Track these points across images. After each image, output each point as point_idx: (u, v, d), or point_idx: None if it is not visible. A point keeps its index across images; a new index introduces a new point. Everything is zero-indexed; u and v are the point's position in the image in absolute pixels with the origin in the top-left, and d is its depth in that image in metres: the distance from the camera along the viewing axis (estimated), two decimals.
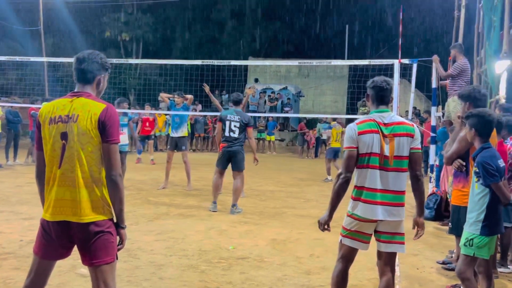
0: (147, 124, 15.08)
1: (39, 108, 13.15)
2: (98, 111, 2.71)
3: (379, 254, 3.31)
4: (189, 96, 9.97)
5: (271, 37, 33.04)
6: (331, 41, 33.40)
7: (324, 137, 18.67)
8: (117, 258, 2.81)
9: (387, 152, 3.19)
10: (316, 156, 20.34)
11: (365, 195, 3.20)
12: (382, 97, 3.34)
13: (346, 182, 3.23)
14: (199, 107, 21.86)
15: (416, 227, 3.39)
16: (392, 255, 3.29)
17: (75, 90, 2.84)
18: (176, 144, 9.70)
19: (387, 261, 3.28)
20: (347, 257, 3.34)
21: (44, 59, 17.92)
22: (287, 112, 22.65)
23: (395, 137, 3.21)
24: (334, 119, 13.31)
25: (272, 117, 20.77)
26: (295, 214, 7.72)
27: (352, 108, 19.52)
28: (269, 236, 6.10)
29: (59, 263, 2.85)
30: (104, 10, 28.40)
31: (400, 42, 10.01)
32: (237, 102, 7.87)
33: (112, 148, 2.74)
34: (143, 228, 6.24)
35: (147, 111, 14.94)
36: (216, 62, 10.27)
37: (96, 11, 27.97)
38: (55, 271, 4.06)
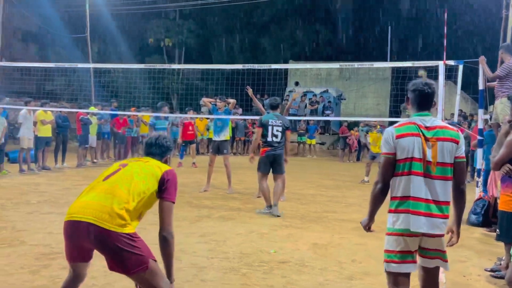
0: (190, 128, 15.22)
1: (88, 113, 13.60)
2: (165, 168, 3.15)
3: (423, 269, 3.11)
4: (232, 100, 10.03)
5: (312, 40, 32.89)
6: (373, 42, 32.91)
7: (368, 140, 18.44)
8: (148, 268, 2.84)
9: (429, 157, 2.96)
10: (358, 159, 20.06)
11: (409, 205, 2.95)
12: (423, 102, 3.12)
13: (383, 191, 3.05)
14: (240, 111, 21.98)
15: (450, 233, 3.18)
16: (436, 270, 3.11)
17: None
18: (218, 148, 9.80)
19: (431, 277, 3.11)
20: (400, 284, 3.00)
21: (91, 65, 18.51)
22: (328, 115, 22.39)
23: (438, 141, 2.99)
24: (366, 124, 13.13)
25: (313, 120, 20.59)
26: (336, 218, 7.65)
27: (395, 111, 19.15)
28: (310, 240, 6.06)
29: (104, 264, 2.93)
30: (147, 17, 29.08)
31: (445, 43, 9.75)
32: (274, 107, 7.95)
33: (167, 206, 3.00)
34: (185, 230, 6.32)
35: (189, 115, 15.08)
36: (256, 66, 10.27)
37: (139, 18, 28.67)
38: (100, 272, 4.19)
